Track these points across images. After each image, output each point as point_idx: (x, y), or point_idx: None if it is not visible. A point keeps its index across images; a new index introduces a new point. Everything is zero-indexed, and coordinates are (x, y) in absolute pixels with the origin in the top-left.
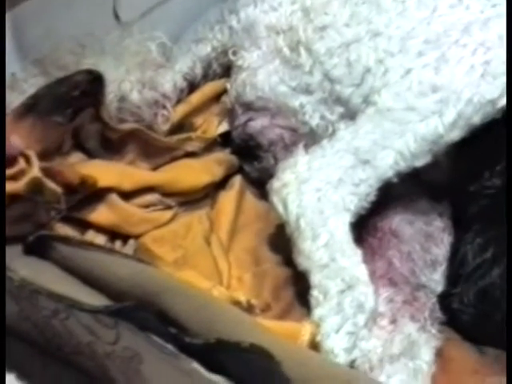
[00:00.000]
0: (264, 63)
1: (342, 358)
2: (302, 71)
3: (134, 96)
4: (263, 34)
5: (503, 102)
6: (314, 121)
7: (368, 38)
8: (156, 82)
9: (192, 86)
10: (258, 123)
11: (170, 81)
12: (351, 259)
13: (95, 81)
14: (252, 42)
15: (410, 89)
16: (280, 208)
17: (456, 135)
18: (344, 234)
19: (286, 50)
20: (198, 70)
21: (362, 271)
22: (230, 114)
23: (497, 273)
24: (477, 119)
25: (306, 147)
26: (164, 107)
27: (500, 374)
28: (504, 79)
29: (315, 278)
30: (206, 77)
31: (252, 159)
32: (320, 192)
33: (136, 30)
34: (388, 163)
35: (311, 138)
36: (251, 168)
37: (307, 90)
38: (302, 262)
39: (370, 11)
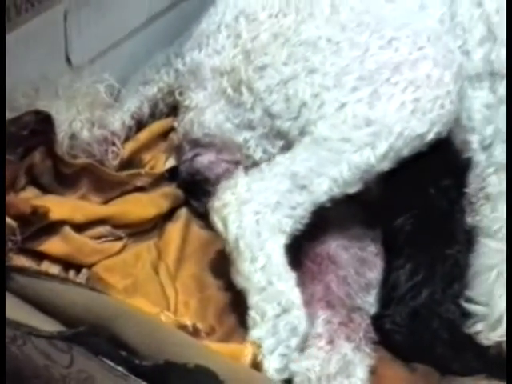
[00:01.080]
0: (210, 103)
1: (273, 378)
2: (244, 108)
3: (85, 134)
4: (208, 75)
5: (431, 136)
6: (258, 154)
7: (304, 74)
8: (105, 120)
9: (140, 124)
10: (205, 158)
11: (118, 119)
12: (287, 283)
13: (44, 120)
14: (198, 83)
15: (345, 121)
16: (220, 226)
17: (386, 166)
18: (280, 257)
19: (229, 90)
20: (146, 110)
21: (296, 295)
22: (177, 151)
23: (426, 294)
24: (406, 152)
25: (246, 169)
26: (113, 144)
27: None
28: (431, 116)
29: (253, 300)
30: (153, 115)
31: (200, 194)
32: (259, 215)
33: (86, 73)
34: (323, 189)
35: None
36: (199, 203)
37: (250, 126)
38: (241, 282)
39: (306, 51)
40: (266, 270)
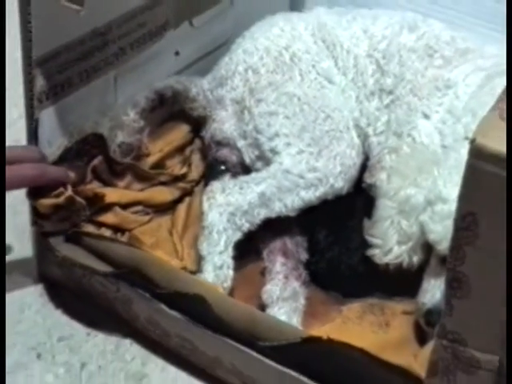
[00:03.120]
0: (228, 119)
1: None
2: (243, 123)
3: (127, 140)
4: (228, 103)
5: (344, 190)
6: (246, 159)
7: (282, 116)
8: (134, 127)
9: (162, 99)
10: (224, 152)
11: (142, 96)
12: (229, 271)
13: (99, 138)
14: (221, 107)
15: (300, 163)
16: (205, 206)
17: (315, 203)
18: (231, 250)
19: (238, 112)
20: (169, 92)
21: (230, 281)
22: (207, 147)
23: (337, 250)
24: (330, 197)
25: (234, 175)
26: (144, 143)
27: (337, 303)
28: (347, 177)
29: (208, 270)
30: (175, 97)
31: (216, 173)
32: (232, 216)
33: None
34: (276, 210)
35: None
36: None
37: (244, 136)
38: (203, 252)
39: (286, 100)
40: (222, 256)
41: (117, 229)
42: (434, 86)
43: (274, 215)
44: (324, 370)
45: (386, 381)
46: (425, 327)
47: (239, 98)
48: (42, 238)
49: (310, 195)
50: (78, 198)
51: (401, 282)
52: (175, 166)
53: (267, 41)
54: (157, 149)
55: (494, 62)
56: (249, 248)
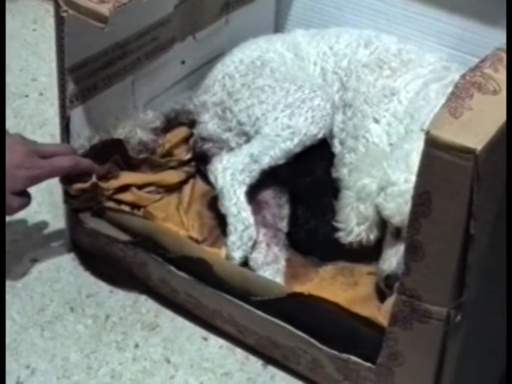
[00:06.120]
0: (211, 119)
1: (236, 261)
2: (227, 121)
3: (144, 138)
4: (210, 106)
5: (320, 135)
6: (233, 145)
7: (257, 104)
8: (152, 125)
9: (169, 119)
10: (208, 145)
11: (159, 116)
12: (247, 213)
13: (117, 142)
14: (205, 110)
15: (277, 126)
16: (212, 179)
17: (298, 150)
18: (243, 198)
19: (220, 112)
20: (172, 114)
21: (251, 220)
22: (195, 142)
23: (313, 222)
24: (308, 143)
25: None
26: (158, 143)
27: (315, 266)
28: (320, 125)
29: (230, 220)
30: (176, 118)
31: (205, 163)
32: (233, 175)
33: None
34: (266, 163)
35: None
36: (204, 168)
37: (229, 130)
38: (223, 210)
39: (259, 92)
40: (237, 205)
41: (134, 205)
42: (382, 94)
43: (266, 167)
44: (304, 319)
45: (355, 329)
46: (384, 289)
47: (219, 101)
48: (73, 214)
49: (289, 145)
50: (101, 184)
51: (364, 250)
52: (181, 154)
53: (242, 54)
54: (166, 140)
55: (430, 69)
56: None
